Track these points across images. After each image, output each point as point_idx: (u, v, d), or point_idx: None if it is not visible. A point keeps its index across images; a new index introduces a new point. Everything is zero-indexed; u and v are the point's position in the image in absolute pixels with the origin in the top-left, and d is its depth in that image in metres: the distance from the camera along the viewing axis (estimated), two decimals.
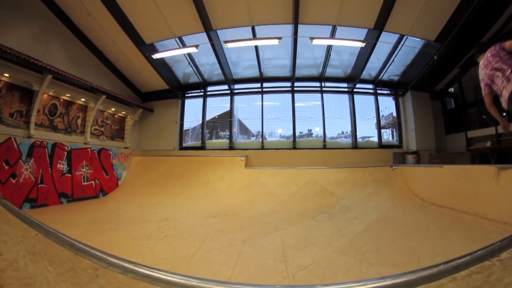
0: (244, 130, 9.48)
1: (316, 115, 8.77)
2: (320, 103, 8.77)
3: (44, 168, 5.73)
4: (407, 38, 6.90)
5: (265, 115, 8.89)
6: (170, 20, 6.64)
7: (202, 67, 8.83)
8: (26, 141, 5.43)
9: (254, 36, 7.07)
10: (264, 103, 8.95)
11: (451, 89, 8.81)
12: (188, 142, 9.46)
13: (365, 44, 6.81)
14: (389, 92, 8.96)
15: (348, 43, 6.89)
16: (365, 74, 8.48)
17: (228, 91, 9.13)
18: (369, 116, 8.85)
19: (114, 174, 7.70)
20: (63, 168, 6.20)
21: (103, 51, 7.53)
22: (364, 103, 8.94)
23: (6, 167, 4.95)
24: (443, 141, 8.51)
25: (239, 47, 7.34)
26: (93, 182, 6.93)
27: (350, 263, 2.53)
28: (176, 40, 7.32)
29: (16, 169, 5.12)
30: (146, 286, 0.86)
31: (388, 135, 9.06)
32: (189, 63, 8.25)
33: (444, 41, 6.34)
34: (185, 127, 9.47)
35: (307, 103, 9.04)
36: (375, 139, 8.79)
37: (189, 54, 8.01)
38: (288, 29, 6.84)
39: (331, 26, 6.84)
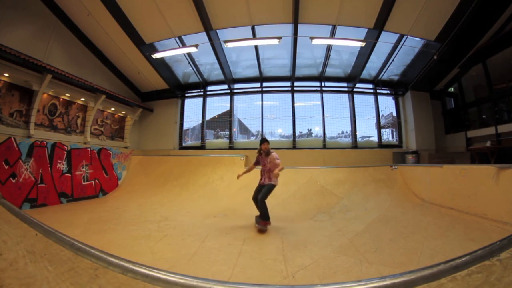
0: (244, 129, 9.47)
1: (316, 114, 8.77)
2: (320, 102, 8.77)
3: (44, 168, 5.73)
4: (407, 38, 6.90)
5: (265, 114, 8.89)
6: (170, 20, 6.64)
7: (202, 66, 8.83)
8: (26, 141, 5.42)
9: (254, 36, 7.06)
10: (264, 102, 8.95)
11: (451, 89, 8.81)
12: (188, 142, 9.46)
13: (365, 44, 6.80)
14: (389, 91, 8.96)
15: (348, 43, 6.89)
16: (365, 74, 8.47)
17: (228, 91, 9.13)
18: (369, 115, 8.85)
19: (114, 174, 7.70)
20: (62, 167, 6.19)
21: (103, 51, 7.52)
22: (364, 102, 8.95)
23: (6, 167, 4.95)
24: (443, 141, 8.51)
25: (239, 47, 7.34)
26: (92, 181, 6.93)
27: (350, 263, 2.53)
28: (176, 39, 7.31)
29: (16, 169, 5.12)
30: (146, 285, 0.86)
31: (388, 135, 9.06)
32: (189, 62, 8.24)
33: (444, 41, 6.34)
34: (185, 126, 9.47)
35: (307, 102, 9.04)
36: (375, 138, 8.79)
37: (189, 54, 8.00)
38: (288, 29, 6.84)
39: (331, 26, 6.84)
